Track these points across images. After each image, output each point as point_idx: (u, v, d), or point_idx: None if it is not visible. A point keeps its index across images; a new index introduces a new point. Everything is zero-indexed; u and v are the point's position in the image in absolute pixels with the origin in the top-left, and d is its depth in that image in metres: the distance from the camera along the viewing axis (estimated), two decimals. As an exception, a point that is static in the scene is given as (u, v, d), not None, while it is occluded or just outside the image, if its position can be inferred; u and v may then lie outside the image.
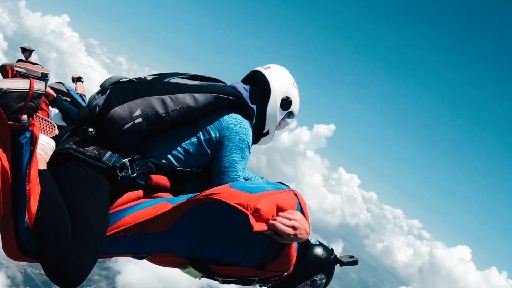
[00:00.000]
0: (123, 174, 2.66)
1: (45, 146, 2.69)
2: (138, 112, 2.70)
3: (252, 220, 2.33)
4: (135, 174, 2.71)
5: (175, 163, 2.87)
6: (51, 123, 3.02)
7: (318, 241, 3.12)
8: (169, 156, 2.86)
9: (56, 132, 2.99)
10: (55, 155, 2.67)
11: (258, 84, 3.24)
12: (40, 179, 2.39)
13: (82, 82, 8.21)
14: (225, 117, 2.97)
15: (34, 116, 2.51)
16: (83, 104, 6.65)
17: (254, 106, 3.15)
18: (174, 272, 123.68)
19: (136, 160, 2.73)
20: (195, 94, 2.84)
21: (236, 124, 2.97)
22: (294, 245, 2.80)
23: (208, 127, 2.94)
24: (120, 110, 2.68)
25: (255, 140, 3.27)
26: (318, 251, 3.01)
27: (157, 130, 2.82)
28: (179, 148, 2.89)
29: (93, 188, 2.54)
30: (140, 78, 3.03)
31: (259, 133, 3.29)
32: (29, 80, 2.23)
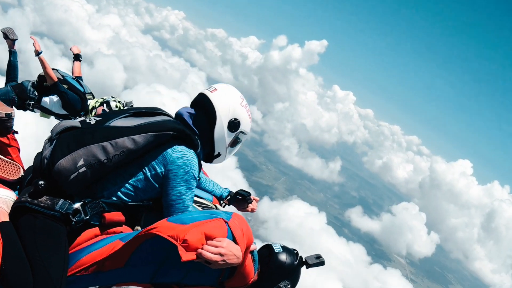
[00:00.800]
0: (76, 218, 2.99)
1: (6, 200, 3.06)
2: (81, 162, 2.98)
3: (181, 250, 2.65)
4: (87, 217, 3.05)
5: (126, 199, 3.17)
6: (15, 165, 3.45)
7: (282, 247, 3.48)
8: (119, 193, 3.15)
9: (21, 173, 3.43)
10: (14, 207, 3.02)
11: (204, 109, 3.47)
12: (2, 233, 2.79)
13: (80, 61, 8.59)
14: (169, 150, 3.18)
15: None
16: (80, 89, 7.74)
17: (199, 132, 3.43)
18: None
19: (87, 203, 3.05)
20: (134, 137, 3.07)
21: (180, 157, 3.17)
22: (248, 263, 3.13)
23: (153, 162, 3.17)
24: (64, 162, 2.97)
25: (209, 161, 3.62)
26: (281, 258, 3.41)
27: (103, 174, 3.07)
28: (127, 185, 3.15)
29: (49, 237, 2.91)
30: (85, 121, 3.28)
31: (210, 156, 3.58)
32: None
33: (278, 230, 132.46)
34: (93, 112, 7.66)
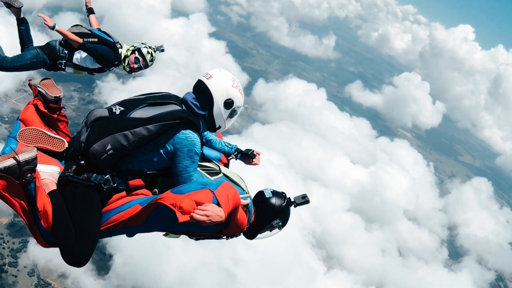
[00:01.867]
0: (106, 186, 4.28)
1: (53, 173, 4.35)
2: (109, 147, 4.22)
3: (178, 214, 3.82)
4: (115, 184, 4.33)
5: (145, 169, 4.47)
6: (61, 140, 4.67)
7: (272, 192, 4.78)
8: (140, 165, 4.44)
9: (66, 145, 4.67)
10: (60, 179, 4.33)
11: (203, 93, 4.65)
12: (52, 199, 4.08)
13: (94, 13, 8.94)
14: (177, 133, 4.37)
15: (47, 135, 4.58)
16: (109, 39, 8.19)
17: (203, 113, 4.65)
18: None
19: (115, 174, 4.35)
20: (149, 126, 4.27)
21: (185, 138, 4.38)
22: (241, 215, 4.40)
23: (165, 142, 4.38)
24: (96, 146, 4.24)
25: (213, 131, 4.93)
26: (272, 201, 4.68)
27: (126, 155, 4.33)
28: (146, 159, 4.42)
29: (86, 201, 4.20)
30: (111, 110, 4.50)
31: (213, 128, 4.83)
32: (13, 159, 3.73)
33: (277, 112, 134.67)
34: (126, 61, 8.23)
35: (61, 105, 5.08)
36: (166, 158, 4.46)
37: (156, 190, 4.50)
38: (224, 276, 71.15)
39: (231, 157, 5.55)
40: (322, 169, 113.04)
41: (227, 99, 4.63)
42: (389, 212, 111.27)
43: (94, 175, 4.30)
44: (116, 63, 8.27)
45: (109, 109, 4.54)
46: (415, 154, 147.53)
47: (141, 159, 4.44)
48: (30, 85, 5.13)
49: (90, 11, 8.89)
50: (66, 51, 8.10)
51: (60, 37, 8.06)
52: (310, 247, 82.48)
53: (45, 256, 68.52)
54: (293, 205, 4.91)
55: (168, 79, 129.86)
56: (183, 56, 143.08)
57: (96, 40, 8.01)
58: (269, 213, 4.72)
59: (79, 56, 8.15)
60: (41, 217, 4.01)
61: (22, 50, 7.97)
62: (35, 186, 3.92)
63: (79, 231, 4.06)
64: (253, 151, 5.62)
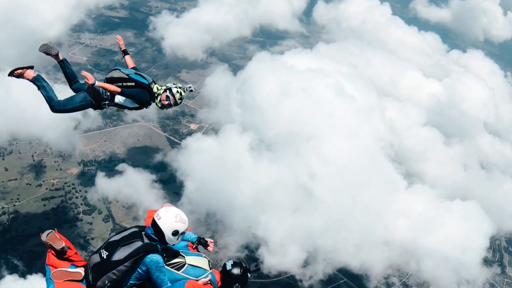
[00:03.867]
0: None
1: None
2: (106, 282, 6.80)
3: None
4: None
5: (134, 282, 7.02)
6: (78, 272, 7.22)
7: (232, 263, 7.15)
8: (131, 282, 6.98)
9: (82, 275, 7.19)
10: None
11: (157, 229, 7.01)
12: None
13: (129, 54, 10.44)
14: (144, 260, 6.80)
15: (68, 272, 7.12)
16: (144, 81, 9.42)
17: (159, 239, 7.02)
18: (223, 22, 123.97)
19: None
20: (126, 263, 6.77)
21: (150, 260, 6.79)
22: None
23: (140, 267, 6.88)
24: (100, 283, 6.82)
25: (165, 245, 7.17)
26: (232, 272, 7.08)
27: (119, 281, 6.88)
28: (133, 278, 6.98)
29: None
30: (101, 254, 6.98)
31: (166, 245, 7.16)
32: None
33: (341, 31, 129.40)
34: (158, 98, 9.48)
35: (67, 250, 7.36)
36: (144, 274, 6.97)
37: None
38: (300, 192, 67.75)
39: (194, 245, 7.99)
40: (394, 84, 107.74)
41: (173, 232, 7.00)
42: (468, 125, 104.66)
43: None
44: (151, 102, 9.56)
45: (100, 253, 6.99)
46: (491, 65, 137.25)
47: (129, 279, 7.00)
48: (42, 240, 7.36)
49: (124, 52, 10.40)
50: (108, 93, 9.34)
51: None
52: (388, 161, 77.67)
53: (113, 188, 69.73)
54: (248, 273, 7.26)
55: (223, 8, 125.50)
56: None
57: (133, 84, 9.34)
58: (230, 280, 7.13)
59: (120, 98, 9.45)
60: None
61: (70, 86, 9.54)
62: None
63: None
64: (207, 241, 8.06)
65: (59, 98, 9.10)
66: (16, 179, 68.05)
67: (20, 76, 8.95)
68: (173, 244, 7.16)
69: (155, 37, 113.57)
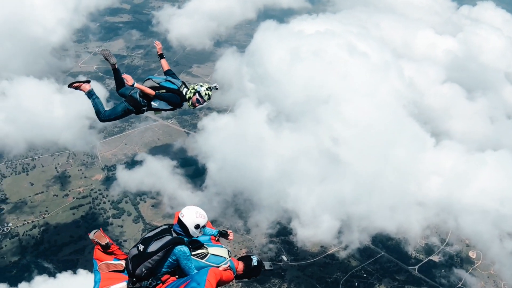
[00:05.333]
0: (151, 285, 7.81)
1: (123, 286, 7.81)
2: (143, 269, 7.72)
3: None
4: (154, 283, 7.79)
5: (167, 270, 7.89)
6: (120, 264, 8.13)
7: (257, 259, 8.31)
8: (164, 270, 7.84)
9: (124, 266, 8.10)
10: None
11: (182, 225, 8.10)
12: None
13: (164, 57, 12.12)
14: (174, 251, 7.75)
15: (111, 264, 8.15)
16: (173, 86, 10.92)
17: (185, 233, 8.07)
18: (225, 6, 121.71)
19: (153, 279, 7.84)
20: (159, 253, 7.70)
21: (178, 251, 7.74)
22: (226, 274, 7.90)
23: (171, 256, 7.78)
24: (138, 271, 7.75)
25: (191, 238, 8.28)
26: (255, 267, 8.28)
27: (154, 270, 7.80)
28: (165, 266, 7.82)
29: None
30: (138, 247, 7.95)
31: (192, 236, 8.23)
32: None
33: (346, 1, 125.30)
34: (190, 102, 10.66)
35: (111, 246, 8.32)
36: (175, 263, 7.96)
37: (177, 276, 8.14)
38: (326, 159, 65.05)
39: (216, 238, 9.14)
40: (407, 45, 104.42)
41: (195, 225, 8.14)
42: (489, 77, 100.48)
43: (143, 282, 7.90)
44: (183, 103, 10.75)
45: (137, 247, 8.04)
46: (504, 14, 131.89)
47: (162, 267, 7.96)
48: (90, 238, 8.32)
49: (160, 56, 11.93)
50: (145, 101, 10.69)
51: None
52: (412, 119, 74.09)
53: (135, 179, 68.84)
54: (261, 268, 8.46)
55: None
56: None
57: (164, 90, 10.62)
58: (251, 272, 8.39)
59: (156, 103, 10.68)
60: None
61: (117, 90, 10.94)
62: None
63: None
64: (227, 231, 9.28)
65: (105, 109, 10.71)
66: (42, 192, 68.23)
67: (78, 88, 10.52)
68: (197, 237, 8.45)
69: (159, 31, 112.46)
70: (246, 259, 8.52)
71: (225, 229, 9.35)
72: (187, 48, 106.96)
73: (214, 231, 9.25)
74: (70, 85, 10.51)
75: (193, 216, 8.20)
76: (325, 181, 64.40)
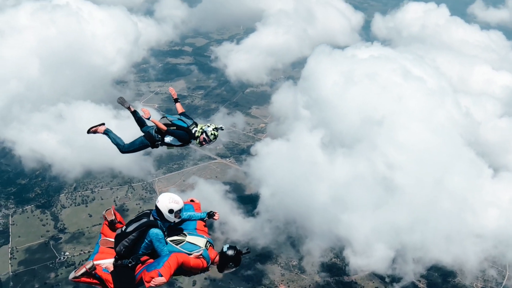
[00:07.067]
0: (130, 263, 8.67)
1: (111, 263, 8.83)
2: (122, 248, 8.73)
3: (146, 284, 8.11)
4: (133, 263, 8.67)
5: (145, 251, 8.80)
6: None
7: (228, 246, 8.82)
8: (142, 251, 8.79)
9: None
10: (113, 265, 8.90)
11: (158, 210, 8.93)
12: (111, 272, 8.66)
13: (179, 101, 12.94)
14: (148, 232, 8.67)
15: (110, 241, 9.29)
16: (183, 124, 11.88)
17: (160, 218, 8.94)
18: (283, 42, 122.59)
19: (133, 258, 8.72)
20: (134, 234, 8.73)
21: (152, 232, 8.64)
22: (194, 261, 8.61)
23: (146, 237, 8.70)
24: (117, 249, 8.80)
25: (167, 223, 9.12)
26: (227, 253, 8.78)
27: (131, 249, 8.79)
28: (142, 247, 8.77)
29: (125, 271, 8.66)
30: (121, 230, 8.99)
31: (169, 223, 9.15)
32: (84, 268, 8.45)
33: (402, 40, 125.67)
34: (197, 140, 11.65)
35: (116, 224, 9.65)
36: (150, 244, 8.73)
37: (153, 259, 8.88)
38: (381, 185, 63.16)
39: (205, 219, 9.99)
40: (464, 80, 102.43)
41: (168, 210, 8.89)
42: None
43: (124, 260, 8.72)
44: (192, 140, 11.79)
45: (121, 228, 9.06)
46: None
47: (140, 248, 8.79)
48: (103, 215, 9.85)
49: (175, 100, 12.70)
50: (159, 136, 11.80)
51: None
52: (469, 148, 71.04)
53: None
54: (240, 255, 8.86)
55: (282, 29, 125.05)
56: (291, 5, 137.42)
57: (175, 127, 11.64)
58: (226, 259, 8.83)
59: (168, 139, 11.78)
60: (107, 282, 8.51)
61: (140, 129, 12.13)
62: (97, 273, 8.51)
63: (124, 285, 8.51)
64: (214, 213, 10.06)
65: (125, 142, 11.98)
66: (100, 224, 67.76)
67: (96, 132, 11.95)
68: (173, 222, 9.20)
69: (218, 66, 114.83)
70: (221, 250, 9.08)
71: (212, 211, 10.17)
72: (247, 89, 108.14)
73: (202, 214, 10.08)
74: (88, 131, 12.05)
75: (166, 201, 9.01)
76: (379, 208, 62.35)
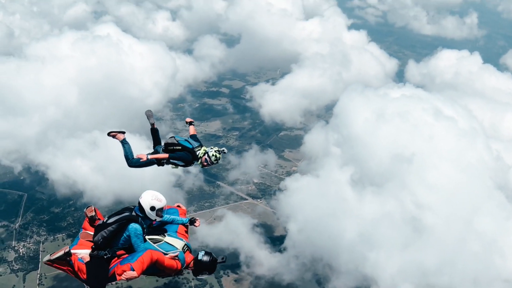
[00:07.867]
0: (105, 255, 8.91)
1: (87, 253, 9.06)
2: (100, 238, 9.06)
3: (117, 277, 8.75)
4: (109, 255, 8.92)
5: (122, 245, 9.13)
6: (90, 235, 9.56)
7: (203, 253, 9.13)
8: (119, 244, 9.09)
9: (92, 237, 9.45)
10: (89, 255, 9.08)
11: (140, 206, 9.25)
12: (86, 263, 8.91)
13: (193, 124, 13.35)
14: (127, 226, 9.01)
15: (89, 234, 9.65)
16: (188, 145, 12.14)
17: (142, 214, 9.29)
18: (318, 85, 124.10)
19: (109, 250, 8.96)
20: (113, 225, 9.06)
21: (131, 228, 8.99)
22: (168, 261, 8.87)
23: (124, 232, 9.05)
24: (95, 239, 9.07)
25: (149, 221, 9.47)
26: (202, 260, 9.07)
27: (109, 240, 9.08)
28: (120, 240, 9.09)
29: (100, 263, 8.88)
30: (102, 221, 9.35)
31: (149, 220, 9.45)
32: (62, 251, 9.00)
33: (435, 86, 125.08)
34: (199, 161, 12.05)
35: (96, 220, 9.92)
36: (128, 239, 9.00)
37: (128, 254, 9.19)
38: (409, 225, 62.54)
39: (186, 224, 10.24)
40: (495, 126, 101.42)
41: (150, 207, 9.17)
42: None
43: (100, 251, 8.93)
44: (195, 161, 12.13)
45: (99, 222, 9.49)
46: None
47: (118, 241, 9.07)
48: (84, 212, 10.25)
49: (189, 123, 13.42)
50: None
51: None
52: (499, 190, 69.81)
53: (213, 235, 67.74)
54: (215, 263, 9.12)
55: (317, 71, 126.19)
56: (327, 49, 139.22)
57: (180, 148, 12.06)
58: (200, 266, 9.09)
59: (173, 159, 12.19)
60: (79, 272, 8.82)
61: (153, 147, 12.83)
62: (72, 260, 8.91)
63: (96, 276, 8.73)
64: (195, 219, 10.47)
65: (134, 157, 12.35)
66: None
67: (114, 137, 12.58)
68: (155, 220, 9.43)
69: (253, 106, 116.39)
70: (196, 256, 9.23)
71: (194, 217, 10.49)
72: (281, 132, 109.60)
73: (185, 219, 10.33)
74: (108, 134, 12.71)
75: (149, 198, 9.25)
76: (407, 248, 61.61)
